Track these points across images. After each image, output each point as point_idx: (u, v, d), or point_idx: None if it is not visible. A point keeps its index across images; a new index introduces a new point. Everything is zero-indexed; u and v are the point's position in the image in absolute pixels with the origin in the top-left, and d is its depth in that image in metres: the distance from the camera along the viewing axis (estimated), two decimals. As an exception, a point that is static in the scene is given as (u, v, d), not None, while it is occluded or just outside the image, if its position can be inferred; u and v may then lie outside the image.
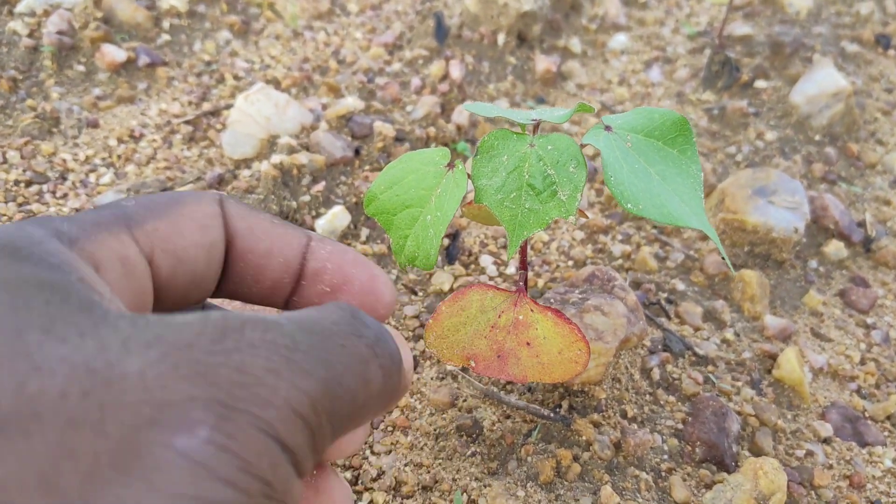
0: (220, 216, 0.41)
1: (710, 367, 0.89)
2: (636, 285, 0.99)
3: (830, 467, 0.81)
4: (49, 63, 1.25)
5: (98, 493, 0.24)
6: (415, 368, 0.84)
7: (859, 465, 0.81)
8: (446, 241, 1.02)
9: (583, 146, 0.61)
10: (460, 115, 1.18)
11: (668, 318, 0.94)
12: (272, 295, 0.44)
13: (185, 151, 1.14)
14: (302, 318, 0.34)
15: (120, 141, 1.15)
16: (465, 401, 0.80)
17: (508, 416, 0.79)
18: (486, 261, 0.99)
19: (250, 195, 0.96)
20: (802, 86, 1.34)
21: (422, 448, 0.77)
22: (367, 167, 1.09)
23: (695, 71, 1.47)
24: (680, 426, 0.80)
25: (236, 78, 1.31)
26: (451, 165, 0.64)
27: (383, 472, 0.75)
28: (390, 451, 0.77)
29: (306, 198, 0.99)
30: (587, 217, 0.70)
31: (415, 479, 0.74)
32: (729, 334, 0.94)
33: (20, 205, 1.00)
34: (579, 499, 0.70)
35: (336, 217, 0.97)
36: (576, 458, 0.74)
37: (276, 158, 1.00)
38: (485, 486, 0.72)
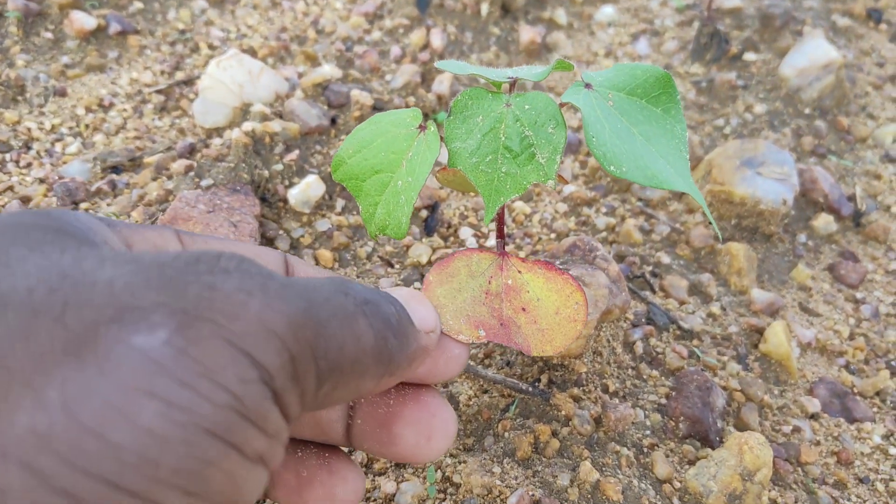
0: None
1: (695, 342, 0.86)
2: (620, 258, 0.96)
3: (818, 444, 0.79)
4: (14, 30, 1.20)
5: (45, 374, 0.25)
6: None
7: (847, 441, 0.79)
8: (425, 213, 0.98)
9: (562, 105, 0.57)
10: (441, 84, 1.15)
11: (653, 291, 0.92)
12: None
13: (156, 121, 1.10)
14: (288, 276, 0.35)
15: (88, 110, 1.11)
16: (438, 388, 0.77)
17: (486, 391, 0.76)
18: (465, 233, 0.96)
19: (220, 163, 0.92)
20: (792, 58, 1.31)
21: (396, 424, 0.74)
22: (343, 136, 1.05)
23: (683, 43, 1.44)
24: (663, 401, 0.77)
25: (211, 47, 1.27)
26: (422, 127, 0.60)
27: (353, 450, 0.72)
28: (363, 428, 0.74)
29: (279, 166, 0.96)
30: (566, 182, 0.67)
31: (388, 456, 0.71)
32: (715, 308, 0.91)
33: (-19, 174, 0.96)
34: (557, 475, 0.67)
35: (310, 187, 0.94)
36: (554, 434, 0.72)
37: (248, 126, 0.96)
38: (460, 463, 0.70)
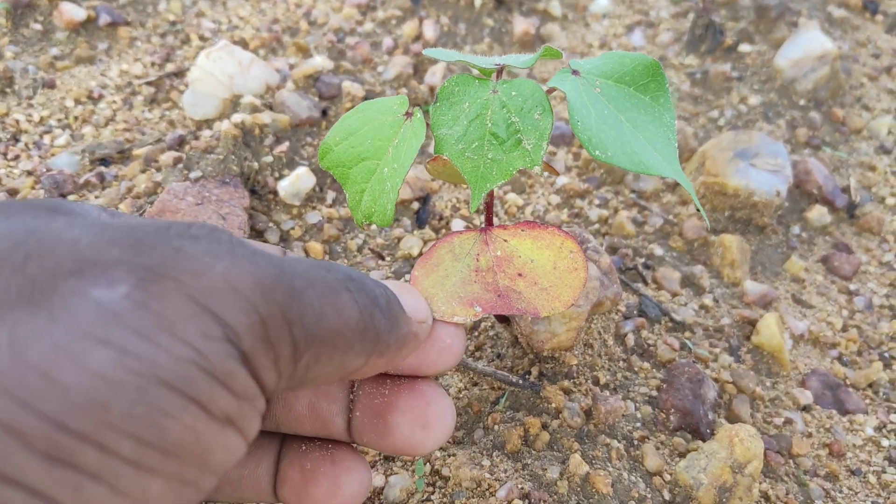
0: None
1: (687, 334, 0.85)
2: (613, 250, 0.95)
3: (810, 435, 0.78)
4: (3, 21, 1.19)
5: None
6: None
7: (839, 433, 0.79)
8: (416, 206, 0.98)
9: (549, 91, 0.57)
10: (433, 75, 1.14)
11: (645, 283, 0.91)
12: None
13: (145, 113, 1.09)
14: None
15: (77, 102, 1.10)
16: (436, 378, 0.77)
17: (476, 384, 0.76)
18: (457, 225, 0.95)
19: (209, 155, 0.91)
20: (787, 49, 1.30)
21: (384, 416, 0.73)
22: (334, 129, 1.04)
23: (678, 35, 1.43)
24: (654, 393, 0.77)
25: (202, 39, 1.26)
26: (409, 114, 0.60)
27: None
28: (351, 420, 0.73)
29: (269, 158, 0.95)
30: (558, 174, 0.66)
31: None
32: (707, 300, 0.90)
33: (-32, 166, 0.96)
34: (547, 468, 0.67)
35: (300, 178, 0.93)
36: (544, 427, 0.71)
37: (238, 117, 0.95)
38: (449, 456, 0.69)
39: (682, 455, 0.71)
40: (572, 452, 0.68)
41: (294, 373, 0.33)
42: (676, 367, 0.78)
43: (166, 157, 0.94)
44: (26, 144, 1.01)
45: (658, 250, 0.96)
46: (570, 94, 0.55)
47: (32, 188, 0.93)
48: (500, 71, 0.59)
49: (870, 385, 0.86)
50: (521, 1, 1.44)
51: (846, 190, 1.13)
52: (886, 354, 0.89)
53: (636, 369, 0.79)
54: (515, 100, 0.57)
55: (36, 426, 0.24)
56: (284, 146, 0.97)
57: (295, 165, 0.97)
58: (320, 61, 1.12)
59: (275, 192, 0.93)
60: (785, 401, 0.81)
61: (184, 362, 0.27)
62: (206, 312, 0.28)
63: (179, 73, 1.16)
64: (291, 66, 1.14)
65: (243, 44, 1.24)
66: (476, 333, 0.81)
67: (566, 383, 0.74)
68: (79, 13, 1.22)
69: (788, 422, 0.78)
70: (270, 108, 1.03)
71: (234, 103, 1.03)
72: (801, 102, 1.27)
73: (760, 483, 0.71)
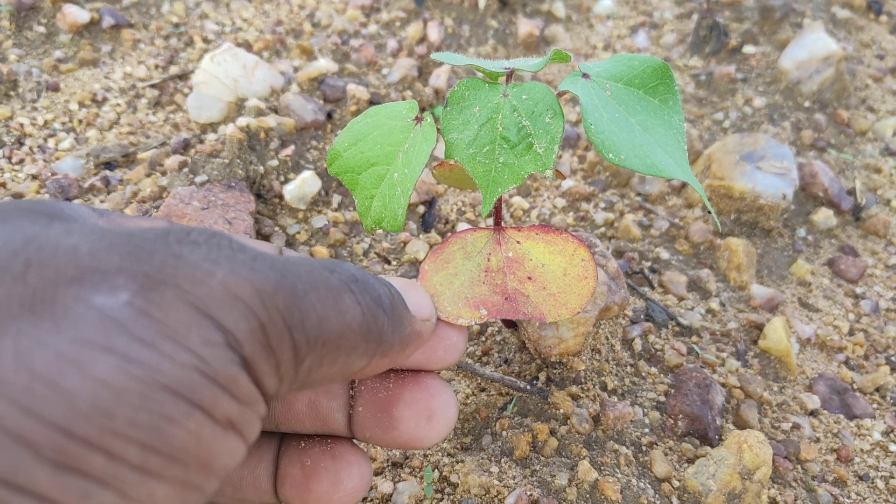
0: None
1: (694, 338, 0.85)
2: (619, 254, 0.95)
3: (817, 441, 0.78)
4: (7, 24, 1.19)
5: (0, 328, 0.25)
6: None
7: (847, 438, 0.78)
8: (422, 209, 0.97)
9: (559, 94, 0.56)
10: (438, 78, 1.14)
11: (652, 287, 0.91)
12: None
13: (150, 116, 1.09)
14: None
15: (81, 105, 1.10)
16: (438, 373, 0.76)
17: (483, 389, 0.75)
18: (463, 228, 0.95)
19: (214, 159, 0.91)
20: (792, 50, 1.30)
21: (392, 422, 0.73)
22: (339, 131, 1.04)
23: (682, 36, 1.43)
24: (662, 399, 0.76)
25: (206, 41, 1.26)
26: (419, 119, 0.59)
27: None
28: (359, 425, 0.73)
29: (274, 162, 0.95)
30: (564, 178, 0.66)
31: (384, 455, 0.70)
32: (714, 304, 0.90)
33: (-28, 170, 0.95)
34: (556, 474, 0.66)
35: (305, 183, 0.93)
36: (553, 433, 0.71)
37: (243, 121, 0.95)
38: (457, 462, 0.69)
39: (690, 461, 0.71)
40: (581, 459, 0.68)
41: (296, 376, 0.33)
42: (684, 372, 0.78)
43: (171, 161, 0.94)
44: (31, 148, 1.01)
45: (664, 254, 0.96)
46: (582, 97, 0.54)
47: (37, 192, 0.93)
48: (509, 75, 0.59)
49: (877, 389, 0.85)
50: (524, 2, 1.43)
51: (852, 192, 1.12)
52: (893, 358, 0.89)
53: (644, 374, 0.79)
54: (526, 103, 0.57)
55: (43, 434, 0.24)
56: (290, 150, 0.96)
57: (300, 169, 0.97)
58: (324, 64, 1.12)
59: (280, 196, 0.93)
60: (792, 405, 0.81)
61: (187, 369, 0.27)
62: (208, 319, 0.28)
63: (183, 76, 1.16)
64: (296, 69, 1.14)
65: (247, 46, 1.24)
66: (483, 338, 0.81)
67: (574, 389, 0.74)
68: (82, 15, 1.21)
69: (796, 427, 0.78)
70: (275, 111, 1.03)
71: (238, 106, 1.03)
72: (806, 104, 1.27)
73: (769, 489, 0.71)
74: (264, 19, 1.32)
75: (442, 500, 0.66)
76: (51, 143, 1.03)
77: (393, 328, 0.38)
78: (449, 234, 0.61)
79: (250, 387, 0.30)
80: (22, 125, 1.04)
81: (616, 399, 0.75)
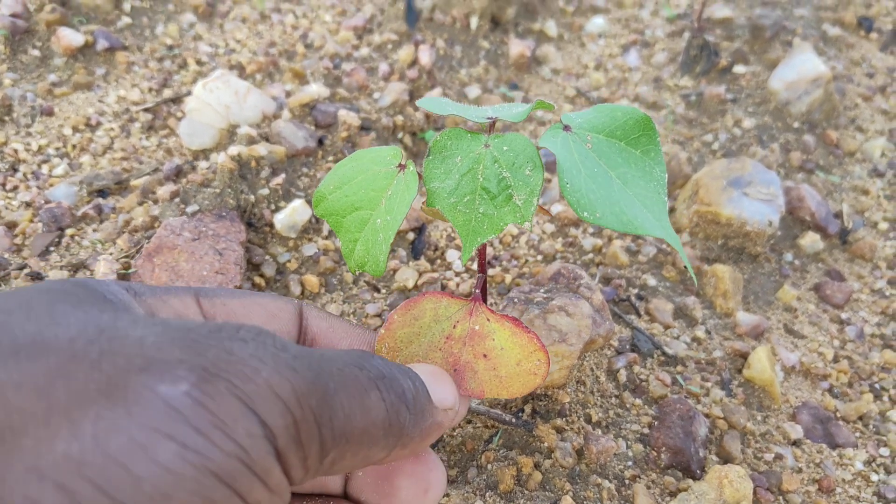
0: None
1: (679, 367, 0.86)
2: (606, 280, 0.96)
3: (800, 471, 0.79)
4: (2, 48, 1.20)
5: (81, 409, 0.29)
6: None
7: (829, 468, 0.80)
8: (412, 236, 0.98)
9: (539, 148, 0.57)
10: (429, 102, 1.15)
11: (639, 315, 0.92)
12: None
13: (143, 141, 1.10)
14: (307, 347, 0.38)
15: (75, 130, 1.11)
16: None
17: (470, 422, 0.77)
18: (452, 255, 0.96)
19: (206, 189, 0.92)
20: (781, 71, 1.31)
21: (379, 455, 0.74)
22: (330, 158, 1.05)
23: (673, 55, 1.44)
24: (646, 431, 0.78)
25: (199, 63, 1.27)
26: (402, 166, 0.60)
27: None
28: (347, 459, 0.74)
29: (265, 191, 0.96)
30: (549, 215, 0.67)
31: (371, 489, 0.71)
32: (700, 332, 0.91)
33: (-33, 198, 0.96)
34: (539, 509, 0.68)
35: (296, 211, 0.94)
36: (537, 466, 0.72)
37: (234, 150, 0.96)
38: (443, 496, 0.70)
39: (672, 494, 0.72)
40: (564, 493, 0.69)
41: (320, 467, 0.36)
42: (668, 403, 0.79)
43: (163, 191, 0.95)
44: (25, 175, 1.02)
45: (651, 280, 0.97)
46: (559, 154, 0.56)
47: (31, 221, 0.94)
48: (491, 125, 0.60)
49: (860, 417, 0.87)
50: (516, 22, 1.44)
51: (839, 215, 1.13)
52: (877, 385, 0.90)
53: (628, 406, 0.80)
54: (507, 155, 0.58)
55: None
56: (280, 178, 0.98)
57: (291, 198, 0.98)
58: (316, 89, 1.13)
59: (271, 225, 0.94)
60: (776, 435, 0.82)
61: (231, 458, 0.31)
62: (252, 413, 0.32)
63: (177, 99, 1.17)
64: (288, 94, 1.15)
65: (240, 68, 1.25)
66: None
67: (559, 421, 0.75)
68: (77, 38, 1.22)
69: (779, 457, 0.79)
70: (266, 138, 1.04)
71: (230, 133, 1.04)
72: (795, 125, 1.28)
73: (750, 522, 0.72)
74: (258, 40, 1.33)
75: (427, 536, 0.67)
76: (44, 169, 1.04)
77: (414, 422, 0.41)
78: (425, 291, 0.62)
79: (281, 477, 0.34)
80: (16, 151, 1.05)
81: (600, 432, 0.76)
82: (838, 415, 0.87)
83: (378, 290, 0.92)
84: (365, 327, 0.54)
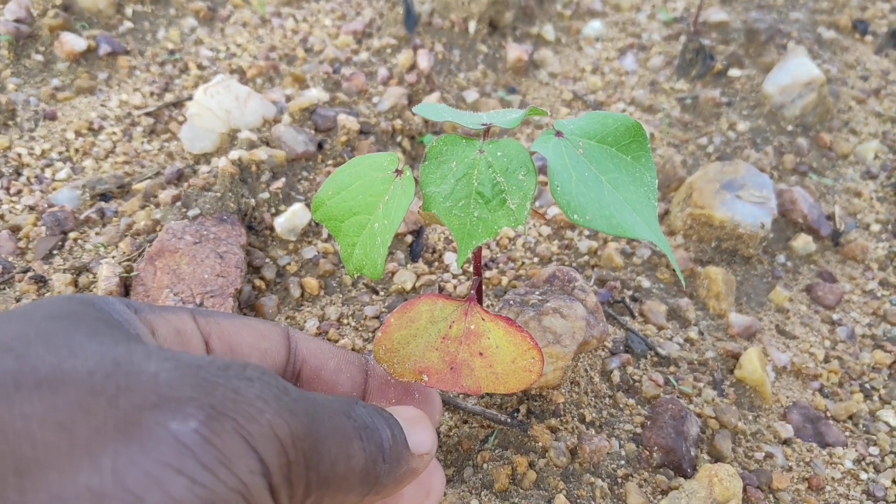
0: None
1: (672, 368, 0.88)
2: (601, 282, 0.97)
3: (790, 469, 0.80)
4: (5, 52, 1.22)
5: (101, 444, 0.31)
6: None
7: (819, 466, 0.81)
8: (410, 238, 1.00)
9: (532, 153, 0.59)
10: (427, 106, 1.16)
11: (633, 316, 0.93)
12: None
13: (145, 145, 1.12)
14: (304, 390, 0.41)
15: (78, 134, 1.12)
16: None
17: (466, 422, 0.78)
18: (450, 258, 0.97)
19: (207, 192, 0.94)
20: (775, 75, 1.33)
21: (377, 454, 0.76)
22: (330, 162, 1.07)
23: (669, 59, 1.45)
24: (638, 430, 0.79)
25: (200, 67, 1.28)
26: (399, 172, 0.62)
27: None
28: (345, 458, 0.76)
29: (265, 195, 0.97)
30: (544, 218, 0.68)
31: (369, 487, 0.72)
32: (693, 333, 0.93)
33: (-28, 202, 0.98)
34: (533, 507, 0.69)
35: (296, 215, 0.95)
36: (531, 465, 0.73)
37: (235, 154, 0.97)
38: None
39: (664, 493, 0.74)
40: (558, 492, 0.71)
41: None
42: (660, 403, 0.81)
43: (165, 195, 0.96)
44: (28, 179, 1.04)
45: (645, 282, 0.98)
46: (550, 158, 0.57)
47: (34, 225, 0.95)
48: (486, 130, 0.62)
49: (850, 417, 0.88)
50: (514, 25, 1.46)
51: (831, 217, 1.15)
52: (867, 385, 0.92)
53: (621, 406, 0.81)
54: (501, 160, 0.59)
55: None
56: (281, 182, 0.99)
57: (291, 201, 0.99)
58: (316, 93, 1.14)
59: (271, 228, 0.96)
60: (766, 434, 0.83)
61: (234, 492, 0.33)
62: (254, 452, 0.34)
63: (178, 104, 1.19)
64: (288, 98, 1.16)
65: (241, 73, 1.26)
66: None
67: (553, 421, 0.77)
68: (79, 43, 1.24)
69: (769, 456, 0.81)
70: (267, 143, 1.06)
71: (231, 137, 1.06)
72: (789, 128, 1.30)
73: (740, 519, 0.73)
74: (258, 44, 1.35)
75: (423, 533, 0.68)
76: (48, 173, 1.05)
77: (389, 471, 0.44)
78: (423, 294, 0.64)
79: None
80: (20, 155, 1.07)
81: (593, 432, 0.77)
82: (828, 414, 0.88)
83: (377, 293, 0.93)
84: (347, 350, 0.57)
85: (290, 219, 0.95)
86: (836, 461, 0.83)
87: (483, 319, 0.60)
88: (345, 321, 0.89)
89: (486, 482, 0.72)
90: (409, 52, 1.27)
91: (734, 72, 1.40)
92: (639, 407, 0.82)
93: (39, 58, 1.23)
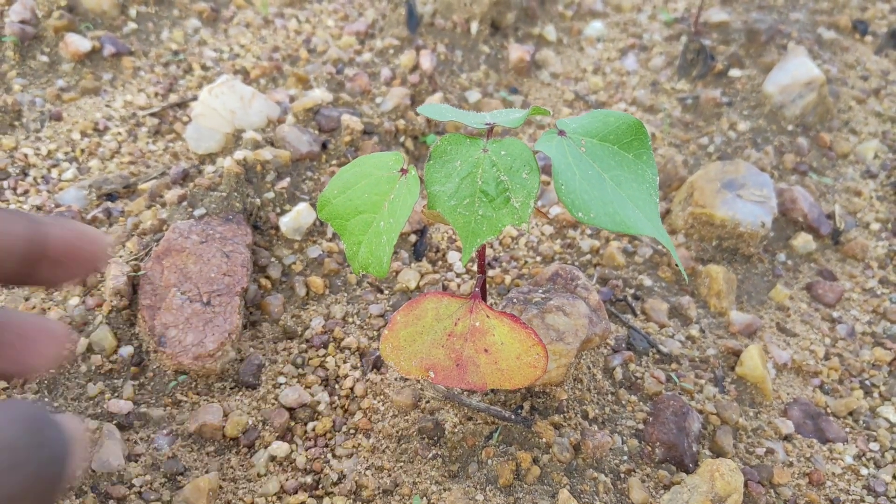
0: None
1: (673, 365, 0.89)
2: (603, 281, 0.98)
3: (790, 465, 0.81)
4: (11, 54, 1.23)
5: None
6: (378, 369, 0.84)
7: (819, 462, 0.82)
8: (413, 238, 1.01)
9: (535, 152, 0.60)
10: (430, 107, 1.17)
11: (635, 314, 0.94)
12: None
13: (150, 145, 1.12)
14: None
15: (83, 134, 1.13)
16: (427, 402, 0.80)
17: (470, 418, 0.79)
18: (453, 257, 0.98)
19: (213, 192, 0.95)
20: (775, 75, 1.34)
21: (383, 451, 0.77)
22: (333, 162, 1.07)
23: (670, 59, 1.46)
24: (641, 426, 0.80)
25: (204, 68, 1.29)
26: (404, 171, 0.63)
27: (344, 476, 0.74)
28: (352, 455, 0.76)
29: (270, 195, 0.98)
30: (547, 218, 0.69)
31: (375, 483, 0.73)
32: (694, 331, 0.94)
33: (-21, 202, 0.99)
34: (538, 502, 0.70)
35: (300, 214, 0.96)
36: (535, 461, 0.74)
37: (240, 154, 0.98)
38: (444, 490, 0.72)
39: (666, 488, 0.74)
40: (561, 487, 0.72)
41: None
42: (662, 400, 0.81)
43: (171, 195, 0.97)
44: (35, 179, 1.04)
45: (647, 281, 0.99)
46: (554, 157, 0.58)
47: (42, 224, 0.96)
48: (490, 130, 0.63)
49: (850, 413, 0.89)
50: (516, 26, 1.47)
51: (831, 216, 1.16)
52: (867, 382, 0.93)
53: (624, 402, 0.82)
54: (505, 159, 0.60)
55: None
56: (285, 182, 1.00)
57: (296, 201, 1.00)
58: (320, 94, 1.15)
59: (276, 228, 0.97)
60: (767, 430, 0.84)
61: None
62: None
63: (182, 104, 1.20)
64: (292, 99, 1.17)
65: (244, 73, 1.27)
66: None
67: (556, 418, 0.77)
68: (84, 44, 1.25)
69: (770, 451, 0.81)
70: (271, 143, 1.07)
71: (236, 137, 1.07)
72: (789, 128, 1.31)
73: (742, 514, 0.74)
74: (261, 45, 1.35)
75: (429, 528, 0.69)
76: (54, 173, 1.06)
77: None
78: (427, 292, 0.65)
79: None
80: (26, 156, 1.08)
81: (596, 427, 0.78)
82: (829, 411, 0.89)
83: (381, 291, 0.94)
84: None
85: (295, 218, 0.96)
86: (837, 457, 0.83)
87: (488, 316, 0.61)
88: (350, 320, 0.90)
89: (490, 478, 0.73)
90: (411, 53, 1.28)
91: (735, 72, 1.40)
92: (641, 403, 0.82)
93: (45, 59, 1.24)
